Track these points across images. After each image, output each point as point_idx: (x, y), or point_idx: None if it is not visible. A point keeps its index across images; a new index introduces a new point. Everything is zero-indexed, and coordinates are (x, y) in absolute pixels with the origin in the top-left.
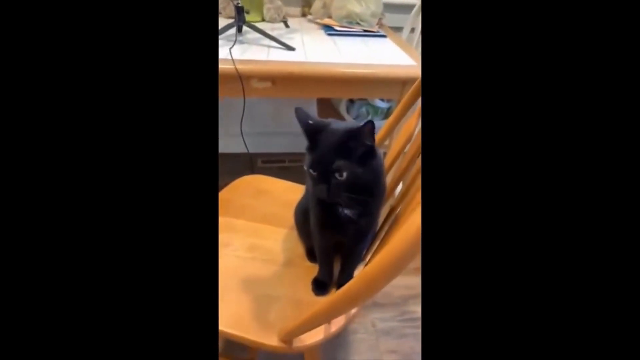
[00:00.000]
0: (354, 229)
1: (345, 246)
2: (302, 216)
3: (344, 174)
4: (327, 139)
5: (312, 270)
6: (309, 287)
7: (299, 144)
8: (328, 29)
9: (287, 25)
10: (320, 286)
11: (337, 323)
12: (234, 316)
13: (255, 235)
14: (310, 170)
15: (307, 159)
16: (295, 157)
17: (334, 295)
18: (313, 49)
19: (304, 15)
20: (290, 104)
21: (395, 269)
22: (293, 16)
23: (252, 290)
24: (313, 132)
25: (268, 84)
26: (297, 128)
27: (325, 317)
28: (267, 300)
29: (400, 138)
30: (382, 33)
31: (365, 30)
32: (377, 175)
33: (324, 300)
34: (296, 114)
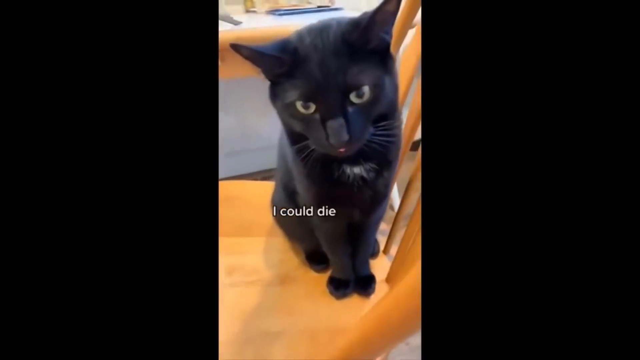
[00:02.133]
0: (369, 195)
1: (356, 221)
2: (287, 208)
3: (365, 90)
4: (326, 44)
5: (319, 280)
6: (321, 305)
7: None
8: (278, 11)
9: (235, 23)
10: (339, 284)
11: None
12: None
13: (232, 253)
14: (301, 106)
15: (291, 92)
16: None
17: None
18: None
19: (247, 11)
20: (254, 119)
21: None
22: (235, 14)
23: (240, 331)
24: (294, 50)
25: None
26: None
27: (360, 348)
28: (263, 340)
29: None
30: (338, 7)
31: (319, 7)
32: (398, 87)
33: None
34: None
